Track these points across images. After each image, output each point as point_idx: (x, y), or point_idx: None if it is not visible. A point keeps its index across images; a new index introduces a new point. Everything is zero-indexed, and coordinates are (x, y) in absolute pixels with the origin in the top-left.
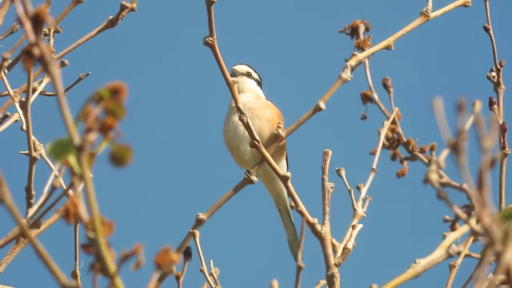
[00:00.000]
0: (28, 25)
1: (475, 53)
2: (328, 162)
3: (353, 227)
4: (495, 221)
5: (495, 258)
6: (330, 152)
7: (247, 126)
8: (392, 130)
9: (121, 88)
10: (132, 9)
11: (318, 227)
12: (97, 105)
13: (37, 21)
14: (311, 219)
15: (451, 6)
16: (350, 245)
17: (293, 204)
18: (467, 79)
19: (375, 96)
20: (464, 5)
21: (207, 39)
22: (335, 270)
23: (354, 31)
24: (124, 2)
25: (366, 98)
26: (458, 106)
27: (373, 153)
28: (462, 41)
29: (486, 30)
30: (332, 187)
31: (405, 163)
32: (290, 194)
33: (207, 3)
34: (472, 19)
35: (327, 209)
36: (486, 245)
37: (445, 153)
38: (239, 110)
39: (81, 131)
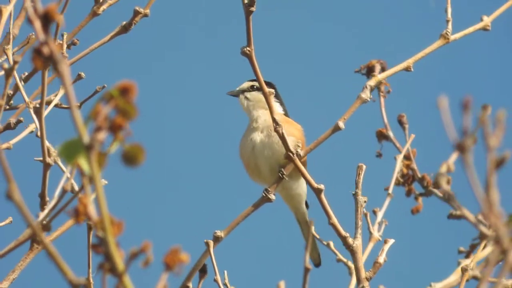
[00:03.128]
0: (37, 24)
1: (494, 77)
2: (361, 176)
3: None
4: (502, 221)
5: (501, 256)
6: (364, 166)
7: (282, 138)
8: (407, 166)
9: (131, 87)
10: (145, 15)
11: (350, 240)
12: (107, 104)
13: (47, 20)
14: (343, 232)
15: (470, 29)
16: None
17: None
18: (486, 101)
19: (391, 134)
20: (484, 29)
21: (245, 49)
22: (366, 284)
23: (370, 71)
24: (137, 8)
25: (382, 136)
26: (464, 105)
27: (386, 190)
28: (481, 65)
29: None
30: (365, 201)
31: (420, 199)
32: (322, 206)
33: (246, 12)
34: (492, 43)
35: (360, 223)
36: (493, 244)
37: (454, 156)
38: (274, 121)
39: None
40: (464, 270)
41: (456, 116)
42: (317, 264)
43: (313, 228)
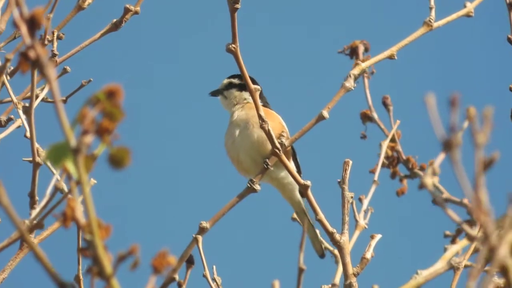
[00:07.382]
0: (24, 28)
1: (477, 63)
2: (348, 172)
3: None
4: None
5: (489, 254)
6: (351, 162)
7: (268, 134)
8: (392, 149)
9: (117, 90)
10: (136, 12)
11: (337, 236)
12: (93, 108)
13: (33, 24)
14: (330, 228)
15: (454, 16)
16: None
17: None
18: (469, 89)
19: (375, 115)
20: (467, 15)
21: (230, 46)
22: (353, 280)
23: (353, 52)
24: (127, 5)
25: (366, 117)
26: (451, 102)
27: (372, 172)
28: (464, 51)
29: (510, 41)
30: (352, 197)
31: (405, 181)
32: (309, 202)
33: (231, 9)
34: (475, 29)
35: (346, 218)
36: (482, 241)
37: (440, 158)
38: (260, 117)
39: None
40: (456, 269)
41: (442, 106)
42: (321, 255)
43: (307, 228)
